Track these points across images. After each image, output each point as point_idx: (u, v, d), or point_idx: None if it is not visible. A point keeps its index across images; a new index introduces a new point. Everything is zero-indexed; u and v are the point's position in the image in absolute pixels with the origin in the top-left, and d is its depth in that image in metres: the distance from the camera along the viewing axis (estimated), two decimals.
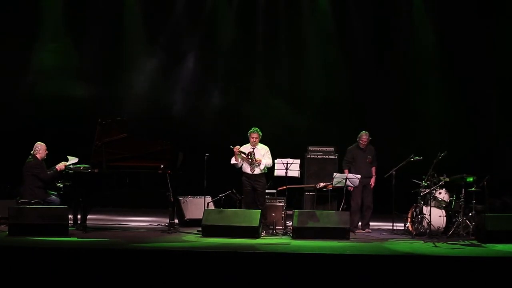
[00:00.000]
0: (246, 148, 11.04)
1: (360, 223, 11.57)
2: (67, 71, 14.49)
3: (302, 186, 12.12)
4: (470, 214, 10.65)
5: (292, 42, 14.84)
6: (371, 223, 11.81)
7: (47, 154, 10.86)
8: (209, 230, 10.22)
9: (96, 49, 14.52)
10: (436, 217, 10.69)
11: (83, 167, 10.83)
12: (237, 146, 10.94)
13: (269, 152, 11.03)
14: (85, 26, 14.54)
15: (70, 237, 9.79)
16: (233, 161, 10.99)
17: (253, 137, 11.02)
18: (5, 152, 13.42)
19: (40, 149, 10.82)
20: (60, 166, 10.72)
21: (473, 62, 14.30)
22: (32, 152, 10.80)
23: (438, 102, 14.51)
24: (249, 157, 10.90)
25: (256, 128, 11.09)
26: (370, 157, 11.59)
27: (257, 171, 10.95)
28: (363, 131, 11.66)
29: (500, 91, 14.38)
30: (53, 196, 10.77)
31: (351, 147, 11.70)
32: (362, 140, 11.55)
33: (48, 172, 10.68)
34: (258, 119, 13.77)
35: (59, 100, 14.30)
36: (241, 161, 10.96)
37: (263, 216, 10.80)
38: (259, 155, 10.98)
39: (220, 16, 14.83)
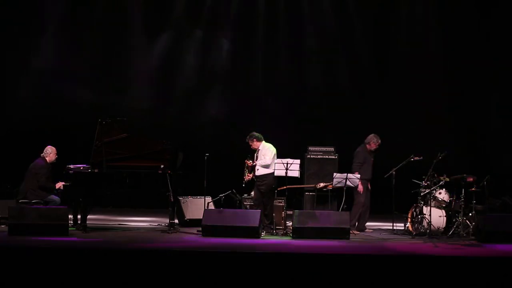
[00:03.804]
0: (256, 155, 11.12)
1: (356, 224, 11.55)
2: (66, 73, 14.48)
3: (302, 186, 12.12)
4: (470, 214, 10.65)
5: (293, 42, 14.84)
6: (371, 223, 11.82)
7: (56, 159, 10.90)
8: (209, 230, 10.22)
9: (95, 50, 14.54)
10: (436, 217, 10.69)
11: (83, 167, 10.84)
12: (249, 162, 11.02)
13: (269, 150, 10.97)
14: (84, 28, 14.54)
15: (70, 237, 9.78)
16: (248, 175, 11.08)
17: (250, 145, 11.07)
18: (5, 152, 13.43)
19: (50, 152, 10.86)
20: (59, 185, 10.78)
21: (473, 62, 14.32)
22: (42, 154, 10.82)
23: (438, 102, 14.50)
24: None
25: (247, 137, 11.09)
26: (372, 159, 11.59)
27: (259, 172, 10.95)
28: (374, 134, 11.59)
29: (500, 91, 14.39)
30: (53, 195, 10.80)
31: (361, 149, 11.59)
32: (375, 144, 11.48)
33: (49, 184, 10.70)
34: (257, 118, 13.78)
35: (58, 101, 14.32)
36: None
37: (267, 217, 10.80)
38: (260, 155, 10.99)
39: (220, 16, 14.83)
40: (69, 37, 14.52)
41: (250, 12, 14.83)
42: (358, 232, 11.22)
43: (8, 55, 14.33)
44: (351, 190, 11.24)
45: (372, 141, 11.55)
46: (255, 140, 11.05)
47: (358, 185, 11.14)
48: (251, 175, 11.04)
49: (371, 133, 11.75)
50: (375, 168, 11.81)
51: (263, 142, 11.09)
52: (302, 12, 14.84)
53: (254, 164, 11.00)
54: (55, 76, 14.44)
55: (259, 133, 11.15)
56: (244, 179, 11.08)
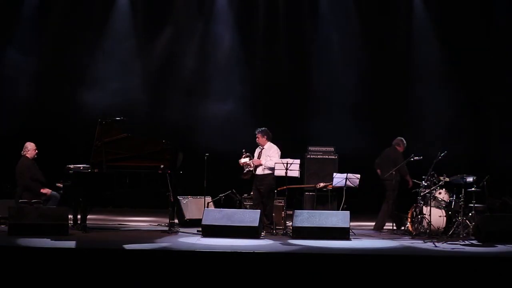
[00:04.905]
0: (257, 150, 11.08)
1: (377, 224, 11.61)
2: (66, 73, 14.48)
3: (302, 186, 12.12)
4: (470, 214, 10.64)
5: (293, 43, 14.84)
6: (372, 223, 11.84)
7: (37, 153, 10.97)
8: (209, 230, 10.22)
9: (94, 50, 14.54)
10: (436, 217, 10.69)
11: (83, 167, 10.84)
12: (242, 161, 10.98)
13: (276, 153, 10.92)
14: (83, 28, 14.54)
15: (70, 237, 9.78)
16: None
17: (257, 138, 11.03)
18: (5, 152, 13.43)
19: (29, 149, 10.96)
20: (45, 191, 10.83)
21: (473, 62, 14.32)
22: (22, 152, 10.88)
23: (438, 102, 14.49)
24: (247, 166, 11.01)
25: (259, 129, 11.06)
26: None
27: (259, 171, 10.94)
28: (401, 137, 11.82)
29: (500, 91, 14.39)
30: (53, 192, 10.85)
31: (397, 151, 11.68)
32: (404, 146, 11.73)
33: (31, 183, 10.76)
34: (257, 118, 13.77)
35: (58, 101, 14.32)
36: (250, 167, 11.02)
37: (266, 217, 10.78)
38: (264, 155, 10.96)
39: (220, 16, 14.83)
40: (68, 37, 14.51)
41: (250, 11, 14.84)
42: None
43: (7, 57, 14.34)
44: (351, 190, 11.24)
45: (402, 144, 11.78)
46: (265, 136, 11.03)
47: (357, 185, 11.19)
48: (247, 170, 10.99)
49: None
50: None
51: (270, 142, 11.07)
52: (303, 10, 14.85)
53: (249, 163, 10.91)
54: (55, 76, 14.44)
55: None
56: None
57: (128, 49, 14.75)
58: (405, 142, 11.86)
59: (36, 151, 11.01)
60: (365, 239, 10.42)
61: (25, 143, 11.19)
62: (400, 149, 11.76)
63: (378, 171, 11.74)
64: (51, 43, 14.53)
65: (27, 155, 10.91)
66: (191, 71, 14.85)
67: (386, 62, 14.66)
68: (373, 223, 11.91)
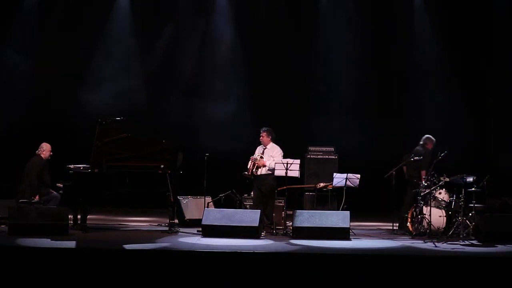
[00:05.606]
0: (259, 149, 11.06)
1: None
2: (64, 74, 14.47)
3: (302, 186, 12.11)
4: (470, 214, 10.64)
5: (293, 43, 14.83)
6: (372, 223, 11.82)
7: (51, 156, 10.98)
8: (209, 230, 10.22)
9: (93, 50, 14.53)
10: (436, 217, 10.68)
11: (83, 167, 10.85)
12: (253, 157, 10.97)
13: (279, 153, 10.91)
14: (83, 28, 14.53)
15: (70, 237, 9.78)
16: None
17: (261, 137, 11.02)
18: (5, 152, 13.43)
19: (45, 149, 11.01)
20: (36, 198, 10.87)
21: (473, 62, 14.32)
22: (37, 151, 10.92)
23: (438, 102, 14.50)
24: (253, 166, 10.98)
25: (264, 128, 11.06)
26: None
27: (260, 171, 10.92)
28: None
29: (499, 91, 14.39)
30: (54, 192, 10.84)
31: (426, 149, 11.57)
32: (433, 143, 11.57)
33: (40, 184, 10.80)
34: (257, 118, 13.77)
35: (57, 103, 14.31)
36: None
37: (267, 217, 10.77)
38: (267, 155, 10.95)
39: (220, 16, 14.83)
40: (68, 37, 14.50)
41: (250, 11, 14.84)
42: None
43: (8, 54, 14.34)
44: (351, 190, 11.23)
45: (430, 141, 11.64)
46: (270, 136, 11.02)
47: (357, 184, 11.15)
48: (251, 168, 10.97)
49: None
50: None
51: (273, 142, 11.06)
52: (303, 10, 14.84)
53: (258, 162, 10.89)
54: (55, 77, 14.43)
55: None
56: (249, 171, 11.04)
57: (128, 49, 14.75)
58: (433, 139, 11.65)
59: (51, 153, 11.07)
60: (365, 239, 10.41)
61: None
62: (429, 146, 11.66)
63: (404, 168, 11.70)
64: (51, 43, 14.51)
65: (41, 154, 10.96)
66: (191, 71, 14.86)
67: (386, 62, 14.66)
68: (373, 223, 11.92)
